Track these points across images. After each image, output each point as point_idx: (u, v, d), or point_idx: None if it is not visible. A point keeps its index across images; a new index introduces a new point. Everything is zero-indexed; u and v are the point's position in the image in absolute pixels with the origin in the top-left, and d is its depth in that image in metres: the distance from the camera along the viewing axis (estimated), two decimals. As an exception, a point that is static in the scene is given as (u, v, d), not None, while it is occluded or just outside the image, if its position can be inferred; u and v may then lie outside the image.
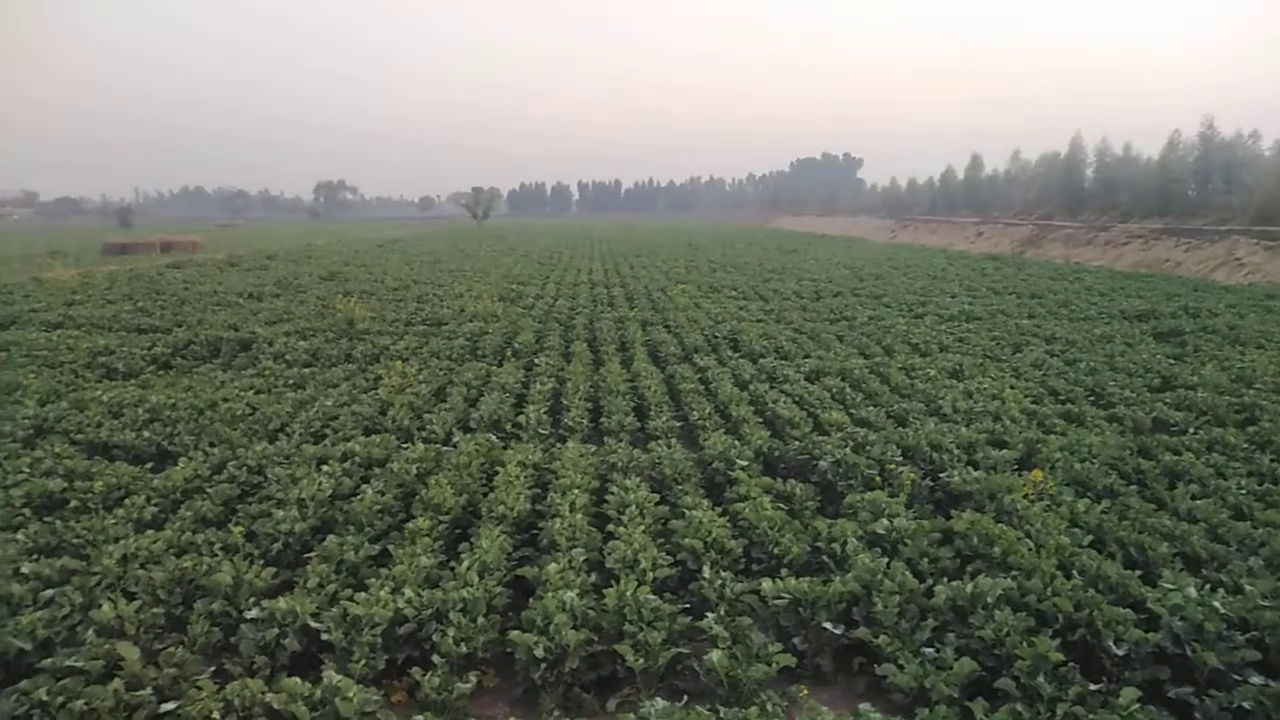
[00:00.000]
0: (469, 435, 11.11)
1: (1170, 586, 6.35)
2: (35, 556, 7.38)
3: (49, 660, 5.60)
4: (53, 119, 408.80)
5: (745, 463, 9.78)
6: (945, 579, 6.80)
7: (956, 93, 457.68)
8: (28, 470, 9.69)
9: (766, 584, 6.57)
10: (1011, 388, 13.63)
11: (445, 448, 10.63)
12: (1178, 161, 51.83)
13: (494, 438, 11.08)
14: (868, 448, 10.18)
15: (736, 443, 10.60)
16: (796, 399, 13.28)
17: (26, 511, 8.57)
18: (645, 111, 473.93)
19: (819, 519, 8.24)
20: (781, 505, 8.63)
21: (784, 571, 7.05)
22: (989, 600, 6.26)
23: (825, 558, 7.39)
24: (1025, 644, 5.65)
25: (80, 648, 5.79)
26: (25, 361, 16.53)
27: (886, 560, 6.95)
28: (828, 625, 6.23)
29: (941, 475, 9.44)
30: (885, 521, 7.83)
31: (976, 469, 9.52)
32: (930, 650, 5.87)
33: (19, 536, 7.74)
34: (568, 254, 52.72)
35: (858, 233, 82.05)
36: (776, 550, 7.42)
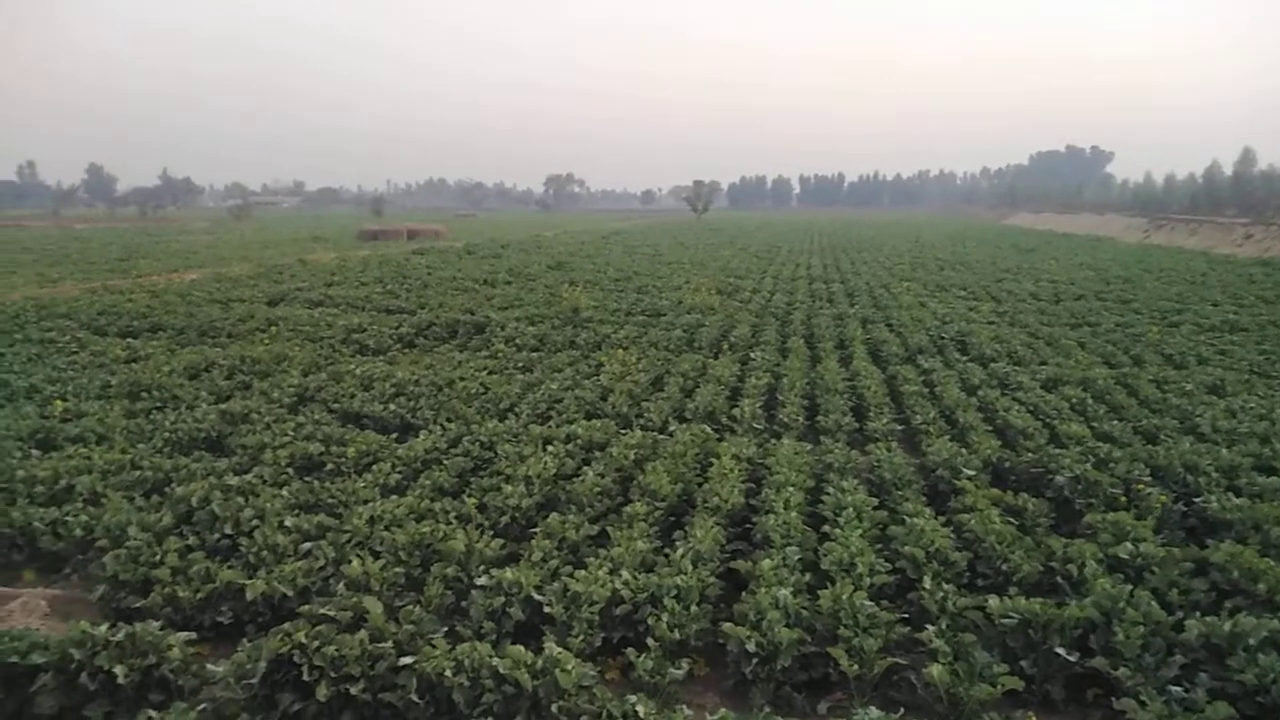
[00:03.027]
0: (685, 425, 11.26)
1: None
2: (296, 512, 8.23)
3: (306, 607, 6.18)
4: (321, 118, 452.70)
5: (972, 472, 9.32)
6: (1198, 613, 6.20)
7: (1228, 76, 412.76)
8: (292, 434, 10.79)
9: (993, 601, 6.23)
10: (1284, 408, 12.17)
11: (662, 436, 10.83)
12: None
13: (709, 429, 11.16)
14: (1111, 464, 9.41)
15: (963, 450, 10.12)
16: (1030, 408, 12.50)
17: (290, 471, 9.57)
18: (872, 109, 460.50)
19: (1053, 537, 7.74)
20: (1011, 519, 8.15)
21: (1012, 590, 6.69)
22: (1251, 641, 5.65)
23: (1059, 579, 6.94)
24: (1297, 696, 5.05)
25: (332, 598, 6.37)
26: (291, 335, 18.46)
27: (1130, 587, 6.40)
28: (1060, 651, 5.82)
29: (1197, 500, 8.61)
30: (1129, 545, 7.24)
31: (1239, 496, 8.62)
32: (1178, 689, 5.37)
33: (284, 493, 8.64)
34: (786, 248, 52.25)
35: (1104, 232, 75.92)
36: (1005, 566, 7.04)
